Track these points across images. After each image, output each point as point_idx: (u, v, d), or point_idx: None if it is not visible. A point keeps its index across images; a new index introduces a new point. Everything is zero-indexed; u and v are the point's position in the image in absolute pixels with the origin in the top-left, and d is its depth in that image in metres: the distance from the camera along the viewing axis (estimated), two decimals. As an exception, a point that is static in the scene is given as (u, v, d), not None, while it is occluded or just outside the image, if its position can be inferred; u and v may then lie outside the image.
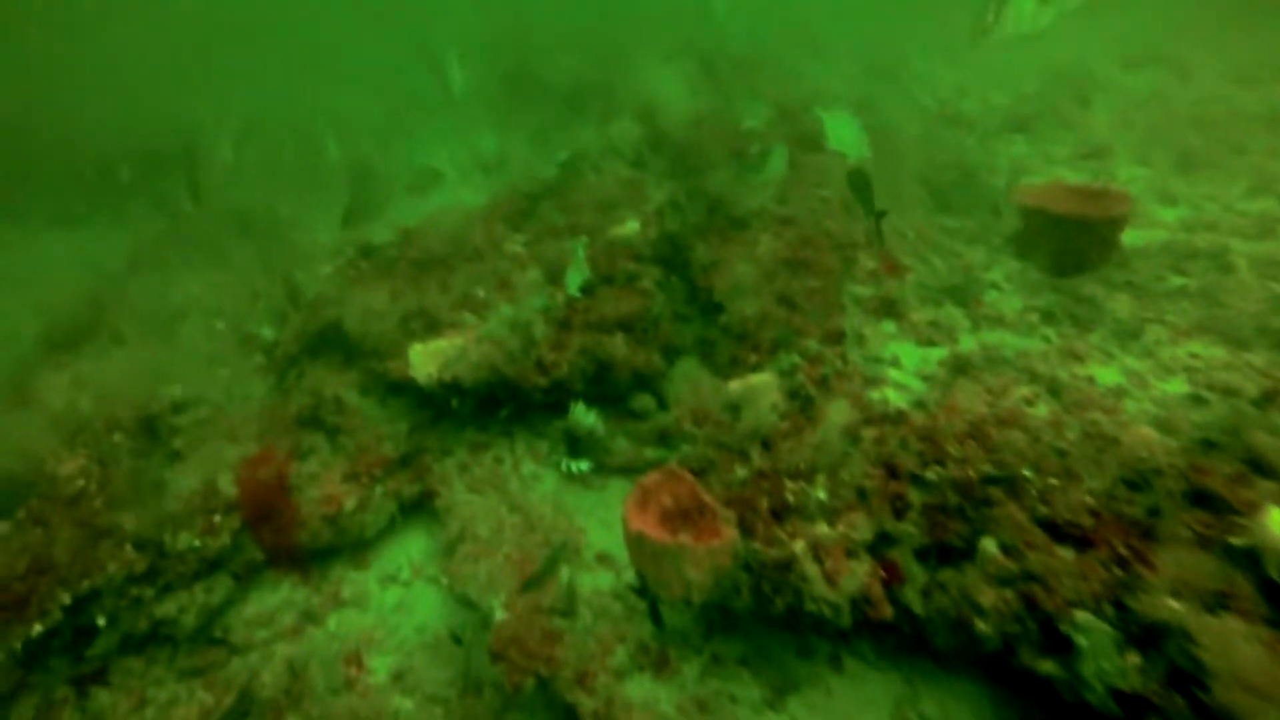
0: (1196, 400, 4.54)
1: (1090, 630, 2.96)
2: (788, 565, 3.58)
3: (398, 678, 4.74)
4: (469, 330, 5.20)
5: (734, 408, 5.01)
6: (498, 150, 9.97)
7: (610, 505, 5.19)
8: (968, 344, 5.41)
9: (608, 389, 5.46)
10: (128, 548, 4.74)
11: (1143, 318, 5.39)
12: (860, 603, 3.44)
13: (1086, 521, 3.30)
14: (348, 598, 5.19)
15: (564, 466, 5.12)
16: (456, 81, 9.69)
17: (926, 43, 14.23)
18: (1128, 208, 5.98)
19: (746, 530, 3.76)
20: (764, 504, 3.96)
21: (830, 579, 3.51)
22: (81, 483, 5.01)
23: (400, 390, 5.38)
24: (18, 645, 4.31)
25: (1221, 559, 3.03)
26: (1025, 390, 4.76)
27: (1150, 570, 3.04)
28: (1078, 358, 5.11)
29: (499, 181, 8.62)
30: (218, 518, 4.96)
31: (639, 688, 3.92)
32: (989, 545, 3.33)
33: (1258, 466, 3.47)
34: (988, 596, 3.22)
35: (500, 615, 4.29)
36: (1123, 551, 3.15)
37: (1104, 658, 2.92)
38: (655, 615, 4.00)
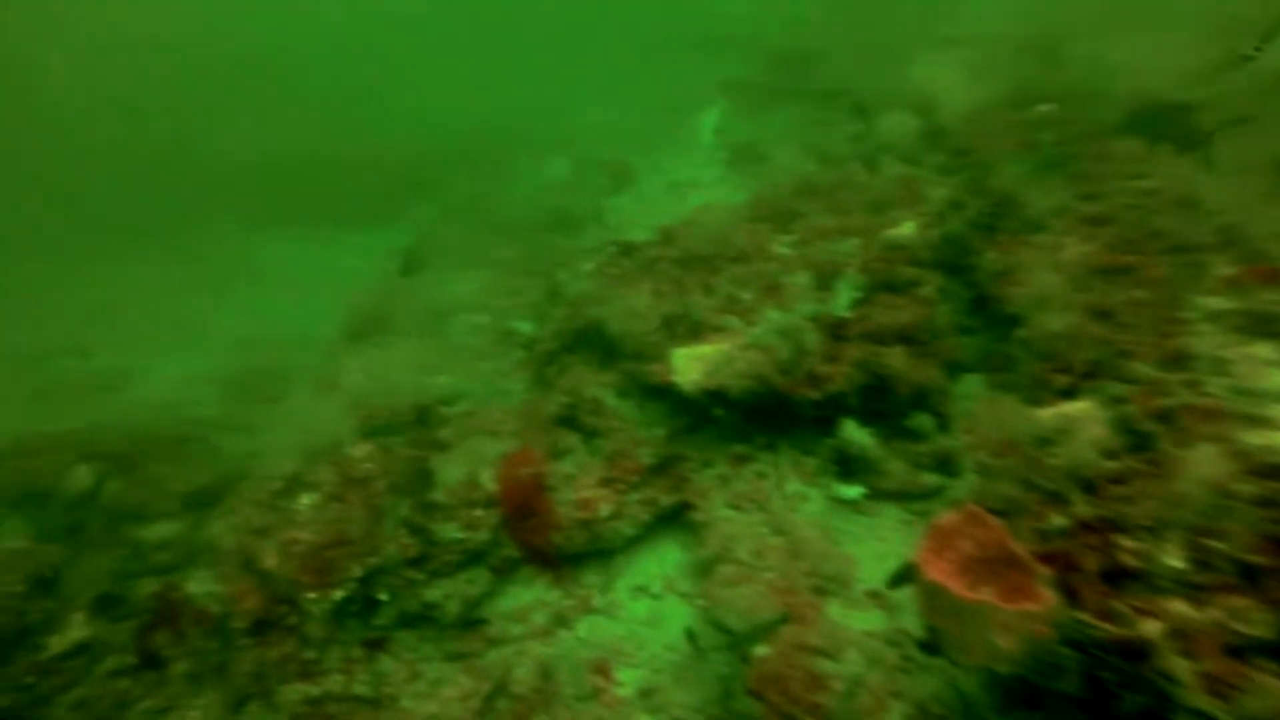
0: None
1: None
2: (1141, 653, 2.77)
3: (645, 694, 4.55)
4: (735, 335, 4.88)
5: (1044, 440, 4.18)
6: (758, 147, 9.70)
7: (882, 534, 4.67)
8: None
9: (884, 405, 4.86)
10: (403, 532, 5.04)
11: None
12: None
13: None
14: (598, 605, 5.12)
15: (834, 492, 4.62)
16: (708, 131, 9.62)
17: None
18: None
19: (1068, 594, 3.09)
20: (1091, 563, 3.22)
21: (1213, 687, 2.65)
22: (369, 465, 5.44)
23: (659, 394, 5.21)
24: (328, 606, 4.74)
25: None
26: None
27: None
28: None
29: (759, 179, 8.31)
30: (479, 512, 5.14)
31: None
32: None
33: None
34: None
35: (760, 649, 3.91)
36: None
37: None
38: None
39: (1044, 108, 7.06)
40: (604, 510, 5.05)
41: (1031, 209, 5.78)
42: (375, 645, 5.00)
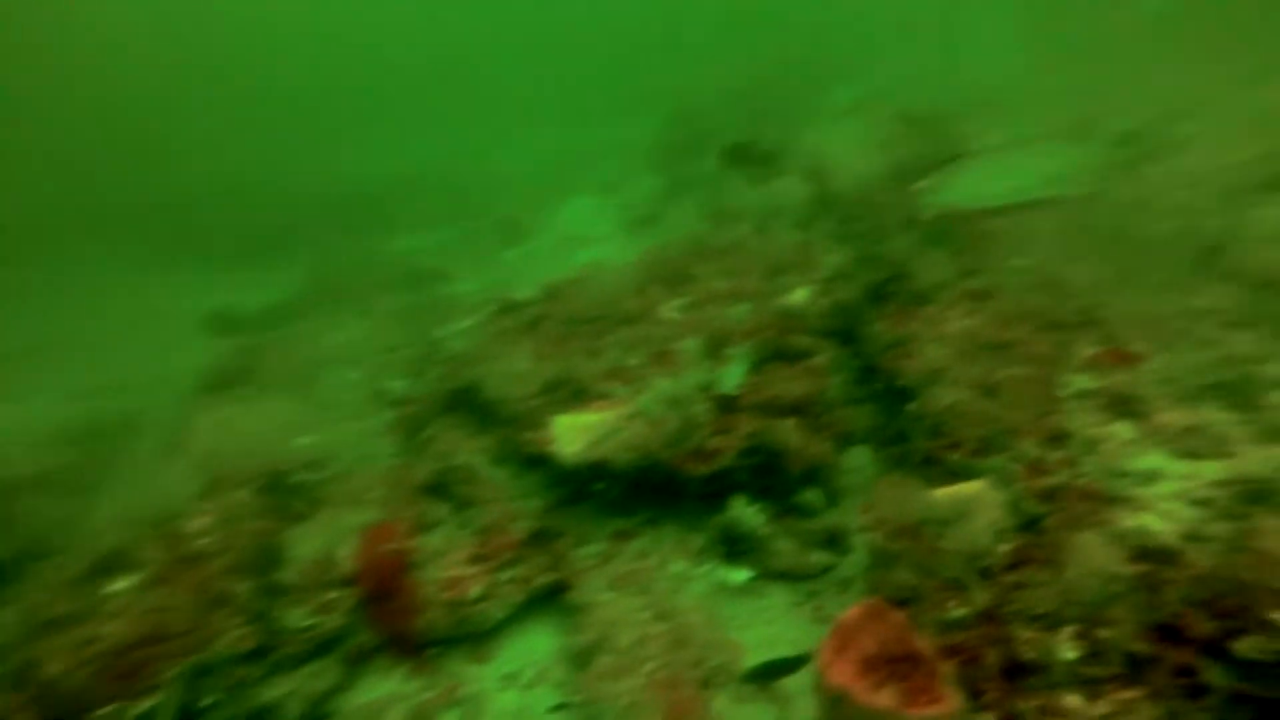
0: None
1: None
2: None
3: (507, 805, 4.03)
4: (620, 403, 4.59)
5: (941, 522, 4.08)
6: (650, 205, 9.64)
7: (771, 617, 4.42)
8: (1255, 461, 4.19)
9: (773, 480, 4.66)
10: (239, 620, 4.36)
11: None
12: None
13: None
14: (461, 696, 4.57)
15: (721, 574, 4.34)
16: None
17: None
18: None
19: (972, 692, 3.08)
20: (992, 658, 3.20)
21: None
22: (206, 540, 4.74)
23: (537, 463, 4.83)
24: (124, 722, 3.95)
25: None
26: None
27: None
28: None
29: (651, 239, 8.20)
30: (333, 594, 4.54)
31: None
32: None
33: None
34: None
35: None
36: None
37: None
38: None
39: (925, 184, 7.33)
40: (473, 591, 4.57)
41: (919, 281, 5.86)
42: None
